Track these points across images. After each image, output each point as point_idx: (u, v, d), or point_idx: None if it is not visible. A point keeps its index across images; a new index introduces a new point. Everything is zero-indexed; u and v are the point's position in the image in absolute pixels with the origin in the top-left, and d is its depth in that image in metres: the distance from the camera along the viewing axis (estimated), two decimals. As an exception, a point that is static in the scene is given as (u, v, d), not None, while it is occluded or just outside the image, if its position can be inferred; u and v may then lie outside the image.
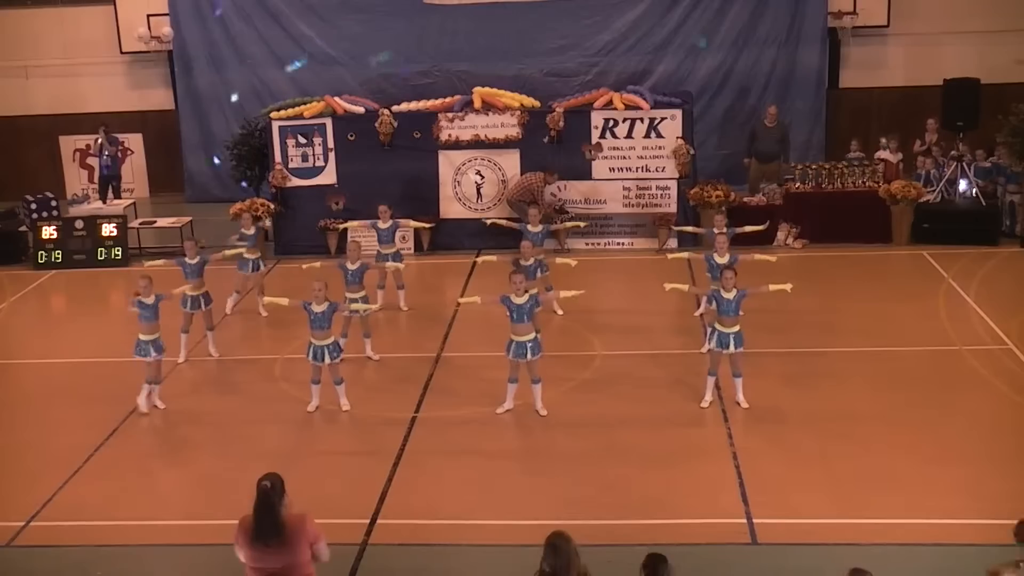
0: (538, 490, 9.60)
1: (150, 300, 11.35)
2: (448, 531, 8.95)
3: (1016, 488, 9.11)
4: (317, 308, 11.05)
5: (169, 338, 12.11)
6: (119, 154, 20.77)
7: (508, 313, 10.89)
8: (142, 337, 11.37)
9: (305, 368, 12.30)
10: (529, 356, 10.86)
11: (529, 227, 14.04)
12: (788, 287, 11.13)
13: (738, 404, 11.04)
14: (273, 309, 14.56)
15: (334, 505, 9.19)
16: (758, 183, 17.85)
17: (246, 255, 14.32)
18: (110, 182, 19.96)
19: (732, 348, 10.93)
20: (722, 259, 12.07)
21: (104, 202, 19.65)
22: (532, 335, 10.88)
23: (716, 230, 12.78)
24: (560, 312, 13.73)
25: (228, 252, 13.73)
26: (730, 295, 10.88)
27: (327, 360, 11.16)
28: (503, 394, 11.14)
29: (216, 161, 21.00)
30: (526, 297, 10.82)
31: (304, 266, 13.03)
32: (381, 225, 14.43)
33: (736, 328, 10.91)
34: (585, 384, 11.90)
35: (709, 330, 12.38)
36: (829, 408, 10.98)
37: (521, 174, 17.17)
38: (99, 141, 19.80)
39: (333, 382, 11.35)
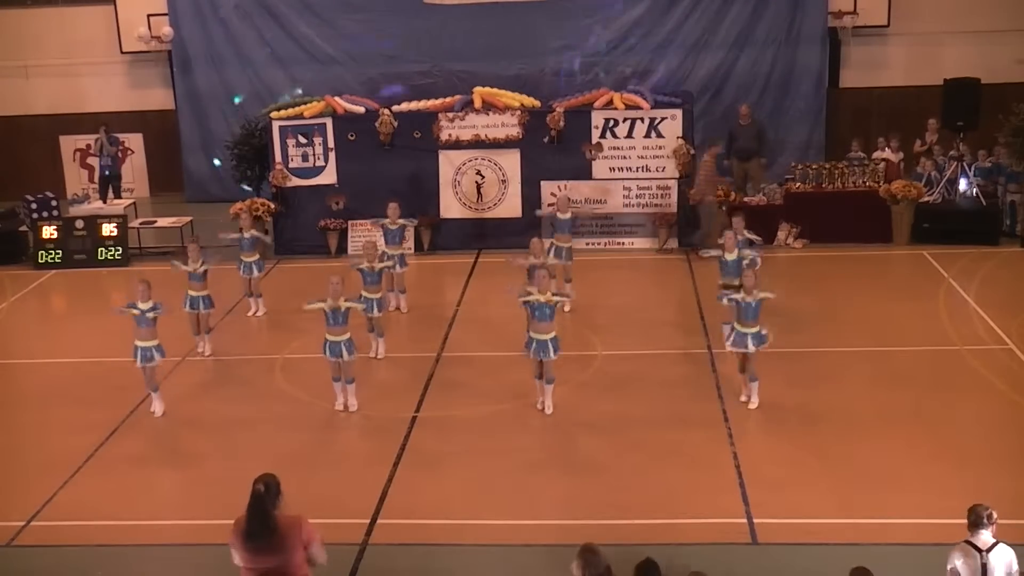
0: (538, 490, 9.60)
1: (147, 305, 11.22)
2: (449, 531, 8.94)
3: (1016, 488, 9.12)
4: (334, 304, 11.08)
5: (177, 343, 12.11)
6: (119, 154, 20.77)
7: (529, 311, 10.90)
8: (138, 343, 11.25)
9: (305, 368, 12.29)
10: (551, 354, 10.85)
11: (559, 215, 14.32)
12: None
13: (743, 403, 11.04)
14: (272, 309, 14.59)
15: (334, 505, 9.21)
16: (742, 181, 17.93)
17: (244, 258, 14.30)
18: (110, 182, 19.95)
19: (751, 347, 10.90)
20: (731, 255, 12.13)
21: (104, 202, 19.64)
22: (553, 333, 10.86)
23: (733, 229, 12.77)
24: (566, 309, 13.80)
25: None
26: (750, 298, 10.83)
27: (345, 356, 11.14)
28: (503, 393, 11.15)
29: (216, 162, 20.98)
30: (546, 296, 10.81)
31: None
32: (390, 225, 14.22)
33: (755, 328, 10.88)
34: (585, 384, 11.87)
35: (728, 328, 12.21)
36: (829, 408, 10.97)
37: (521, 174, 17.20)
38: (99, 141, 19.80)
39: (345, 381, 11.31)
